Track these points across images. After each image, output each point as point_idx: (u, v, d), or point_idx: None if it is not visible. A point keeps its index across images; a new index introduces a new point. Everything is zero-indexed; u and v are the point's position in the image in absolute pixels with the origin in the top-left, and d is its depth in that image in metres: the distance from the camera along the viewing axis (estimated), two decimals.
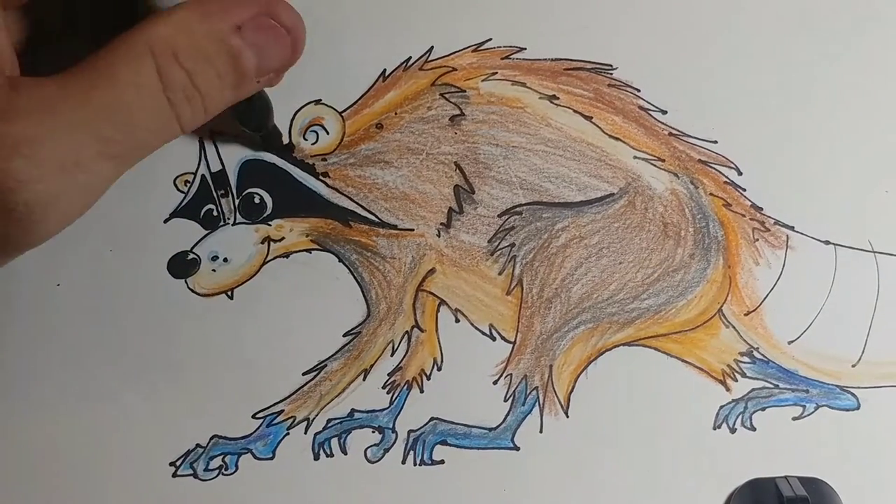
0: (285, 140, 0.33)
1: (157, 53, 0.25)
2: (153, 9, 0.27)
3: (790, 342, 0.32)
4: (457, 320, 0.33)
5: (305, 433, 0.32)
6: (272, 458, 0.31)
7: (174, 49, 0.26)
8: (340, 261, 0.33)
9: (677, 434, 0.32)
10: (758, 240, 0.33)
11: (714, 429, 0.32)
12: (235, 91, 0.28)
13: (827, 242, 0.33)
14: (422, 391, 0.32)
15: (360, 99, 0.34)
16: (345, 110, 0.34)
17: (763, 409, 0.32)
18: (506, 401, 0.32)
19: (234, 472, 0.31)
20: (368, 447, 0.32)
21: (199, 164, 0.33)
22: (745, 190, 0.34)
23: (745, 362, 0.32)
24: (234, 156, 0.33)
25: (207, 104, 0.27)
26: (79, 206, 0.26)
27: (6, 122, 0.24)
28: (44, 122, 0.24)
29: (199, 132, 0.33)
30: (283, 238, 0.33)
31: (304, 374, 0.32)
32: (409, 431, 0.32)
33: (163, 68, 0.25)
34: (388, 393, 0.32)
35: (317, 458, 0.32)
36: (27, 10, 0.28)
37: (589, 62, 0.35)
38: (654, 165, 0.34)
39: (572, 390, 0.32)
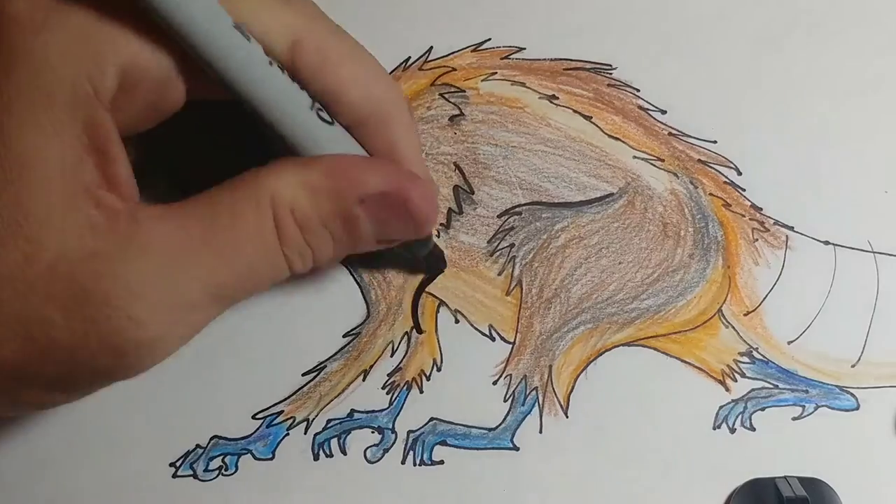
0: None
1: (277, 208, 0.25)
2: (279, 146, 0.26)
3: (790, 342, 0.32)
4: (456, 321, 0.33)
5: (305, 433, 0.32)
6: (272, 459, 0.31)
7: (294, 206, 0.25)
8: (340, 261, 0.33)
9: (677, 434, 0.32)
10: (757, 240, 0.33)
11: (714, 429, 0.32)
12: (350, 252, 0.28)
13: (827, 243, 0.33)
14: (421, 392, 0.32)
15: None
16: None
17: (763, 409, 0.32)
18: (505, 401, 0.32)
19: (234, 472, 0.31)
20: (368, 447, 0.32)
21: None
22: (744, 190, 0.34)
23: (744, 362, 0.32)
24: None
25: (317, 260, 0.27)
26: (181, 343, 0.25)
27: (125, 260, 0.23)
28: (162, 263, 0.24)
29: None
30: None
31: (303, 374, 0.32)
32: (409, 432, 0.32)
33: (281, 223, 0.25)
34: (387, 393, 0.32)
35: (316, 458, 0.32)
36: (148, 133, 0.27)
37: (589, 62, 0.35)
38: (654, 165, 0.34)
39: (572, 391, 0.32)
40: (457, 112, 0.34)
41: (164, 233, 0.24)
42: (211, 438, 0.32)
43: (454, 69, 0.35)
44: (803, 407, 0.32)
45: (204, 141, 0.30)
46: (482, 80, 0.34)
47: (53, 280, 0.23)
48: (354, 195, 0.26)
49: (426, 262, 0.32)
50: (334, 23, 0.27)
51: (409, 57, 0.35)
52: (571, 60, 0.35)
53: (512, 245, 0.33)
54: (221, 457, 0.31)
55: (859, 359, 0.32)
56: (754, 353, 0.32)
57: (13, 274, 0.22)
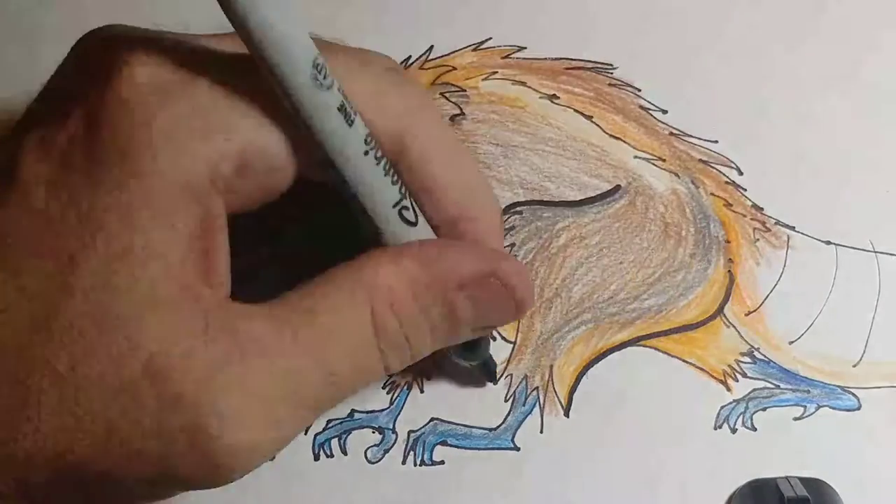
0: None
1: (375, 301, 0.24)
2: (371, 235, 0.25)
3: (791, 342, 0.32)
4: None
5: (305, 433, 0.32)
6: (272, 459, 0.31)
7: (392, 298, 0.24)
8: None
9: (678, 434, 0.32)
10: (758, 240, 0.33)
11: (715, 429, 0.32)
12: (447, 342, 0.26)
13: (828, 242, 0.33)
14: (422, 391, 0.32)
15: None
16: None
17: (764, 409, 0.32)
18: (506, 401, 0.32)
19: None
20: (368, 447, 0.32)
21: None
22: (745, 190, 0.34)
23: (745, 362, 0.32)
24: None
25: (415, 353, 0.26)
26: (272, 453, 0.24)
27: (220, 363, 0.22)
28: (256, 370, 0.22)
29: None
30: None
31: None
32: (410, 432, 0.32)
33: (379, 317, 0.24)
34: (388, 393, 0.32)
35: (317, 458, 0.32)
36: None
37: (589, 62, 0.35)
38: (655, 165, 0.34)
39: (573, 390, 0.32)
40: (457, 111, 0.34)
41: (257, 335, 0.22)
42: None
43: (455, 68, 0.34)
44: (805, 407, 0.32)
45: (295, 225, 0.30)
46: (483, 80, 0.34)
47: (147, 383, 0.21)
48: (455, 280, 0.25)
49: (483, 367, 0.31)
50: (438, 112, 0.27)
51: (410, 56, 0.35)
52: (572, 60, 0.35)
53: (513, 244, 0.33)
54: None
55: (861, 359, 0.32)
56: (755, 353, 0.32)
57: (105, 374, 0.21)
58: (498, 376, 0.32)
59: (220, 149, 0.22)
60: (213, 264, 0.23)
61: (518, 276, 0.26)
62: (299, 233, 0.30)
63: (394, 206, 0.25)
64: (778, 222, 0.33)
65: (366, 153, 0.23)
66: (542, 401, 0.32)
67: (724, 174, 0.34)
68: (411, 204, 0.25)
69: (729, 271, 0.33)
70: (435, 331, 0.25)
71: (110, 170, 0.21)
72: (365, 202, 0.24)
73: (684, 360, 0.32)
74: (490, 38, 0.35)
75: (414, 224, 0.25)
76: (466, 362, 0.31)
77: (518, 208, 0.33)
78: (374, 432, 0.32)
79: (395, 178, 0.25)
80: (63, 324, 0.21)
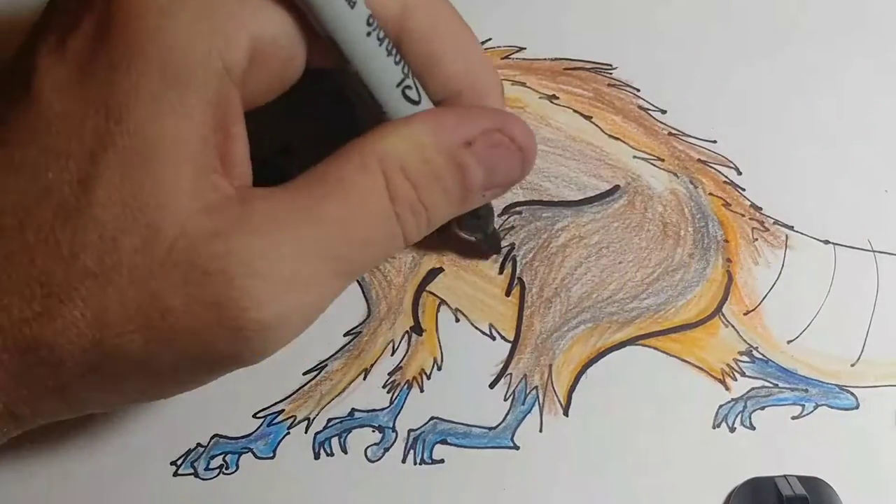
0: None
1: (386, 168, 0.24)
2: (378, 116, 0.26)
3: (789, 341, 0.32)
4: (457, 320, 0.33)
5: (306, 432, 0.32)
6: (273, 458, 0.32)
7: (403, 164, 0.25)
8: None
9: (677, 433, 0.32)
10: (757, 239, 0.33)
11: (713, 428, 0.32)
12: (461, 206, 0.27)
13: (826, 242, 0.33)
14: (422, 391, 0.32)
15: None
16: None
17: (762, 408, 0.32)
18: (505, 400, 0.32)
19: (235, 471, 0.31)
20: (369, 446, 0.32)
21: None
22: (744, 189, 0.34)
23: (744, 361, 0.32)
24: None
25: (432, 218, 0.26)
26: (304, 325, 0.25)
27: (242, 240, 0.23)
28: (277, 240, 0.23)
29: None
30: None
31: (304, 373, 0.32)
32: (410, 431, 0.32)
33: (392, 183, 0.25)
34: (388, 392, 0.32)
35: (317, 457, 0.32)
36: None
37: (588, 62, 0.35)
38: (654, 165, 0.34)
39: (572, 390, 0.32)
40: None
41: (276, 210, 0.23)
42: (212, 437, 0.32)
43: None
44: (803, 406, 0.32)
45: (309, 114, 0.30)
46: None
47: (172, 265, 0.22)
48: (460, 139, 0.25)
49: (488, 241, 0.32)
50: None
51: None
52: (571, 60, 0.35)
53: (512, 244, 0.33)
54: (222, 455, 0.31)
55: (859, 358, 0.32)
56: (754, 353, 0.32)
57: (132, 262, 0.22)
58: (497, 376, 0.32)
59: (233, 39, 0.23)
60: (231, 152, 0.23)
61: (521, 127, 0.27)
62: (311, 130, 0.31)
63: (397, 86, 0.26)
64: (776, 222, 0.33)
65: (368, 34, 0.24)
66: (541, 400, 0.32)
67: (722, 174, 0.34)
68: (414, 83, 0.26)
69: (727, 271, 0.33)
70: (448, 194, 0.26)
71: (125, 68, 0.22)
72: (369, 82, 0.25)
73: (683, 360, 0.32)
74: (490, 39, 0.35)
75: (417, 102, 0.26)
76: (472, 235, 0.32)
77: (517, 208, 0.33)
78: (374, 431, 0.32)
79: (398, 57, 0.25)
80: (87, 219, 0.22)
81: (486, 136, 0.26)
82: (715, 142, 0.34)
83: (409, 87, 0.26)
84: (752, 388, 0.32)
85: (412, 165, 0.25)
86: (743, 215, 0.33)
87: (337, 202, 0.24)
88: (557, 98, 0.34)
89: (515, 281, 0.33)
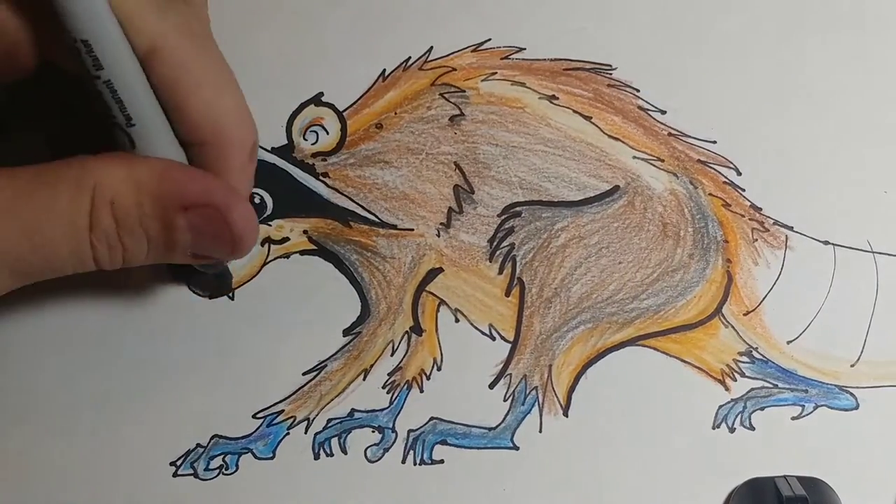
0: (282, 141, 0.33)
1: (97, 196, 0.25)
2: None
3: (789, 342, 0.32)
4: (456, 320, 0.33)
5: (306, 433, 0.32)
6: (272, 458, 0.31)
7: (114, 199, 0.25)
8: (341, 261, 0.33)
9: (676, 434, 0.32)
10: (757, 240, 0.33)
11: (713, 428, 0.32)
12: (163, 258, 0.27)
13: (826, 242, 0.33)
14: (421, 391, 0.32)
15: (359, 99, 0.34)
16: (344, 110, 0.34)
17: (762, 408, 0.32)
18: (505, 400, 0.32)
19: (235, 471, 0.31)
20: (368, 447, 0.32)
21: None
22: (744, 190, 0.34)
23: (744, 362, 0.32)
24: None
25: (128, 258, 0.27)
26: None
27: None
28: None
29: None
30: (283, 238, 0.33)
31: (304, 374, 0.32)
32: (409, 431, 0.32)
33: (96, 212, 0.25)
34: (387, 393, 0.32)
35: (317, 457, 0.32)
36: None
37: (588, 62, 0.35)
38: (654, 165, 0.34)
39: (572, 390, 0.32)
40: (457, 112, 0.34)
41: None
42: (211, 438, 0.32)
43: (454, 69, 0.35)
44: (802, 406, 0.32)
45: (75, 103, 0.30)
46: (482, 80, 0.35)
47: None
48: (178, 201, 0.26)
49: (215, 281, 0.32)
50: (212, 42, 0.28)
51: (410, 57, 0.35)
52: (571, 61, 0.35)
53: (512, 245, 0.33)
54: (222, 456, 0.31)
55: (858, 358, 0.32)
56: (754, 353, 0.32)
57: None
58: (497, 376, 0.32)
59: None
60: None
61: (242, 216, 0.27)
62: (69, 122, 0.31)
63: (123, 113, 0.26)
64: (776, 222, 0.33)
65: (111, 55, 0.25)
66: (541, 400, 0.32)
67: (722, 174, 0.34)
68: (149, 117, 0.26)
69: (727, 271, 0.33)
70: (151, 243, 0.26)
71: None
72: (108, 101, 0.26)
73: (683, 360, 0.32)
74: (489, 39, 0.35)
75: (132, 129, 0.26)
76: (202, 269, 0.31)
77: (517, 208, 0.33)
78: (373, 431, 0.32)
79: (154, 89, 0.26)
80: None
81: (202, 209, 0.26)
82: (715, 142, 0.34)
83: (130, 121, 0.26)
84: (752, 389, 0.32)
85: (123, 203, 0.25)
86: (743, 216, 0.33)
87: (36, 207, 0.24)
88: (557, 98, 0.34)
89: (515, 281, 0.33)
